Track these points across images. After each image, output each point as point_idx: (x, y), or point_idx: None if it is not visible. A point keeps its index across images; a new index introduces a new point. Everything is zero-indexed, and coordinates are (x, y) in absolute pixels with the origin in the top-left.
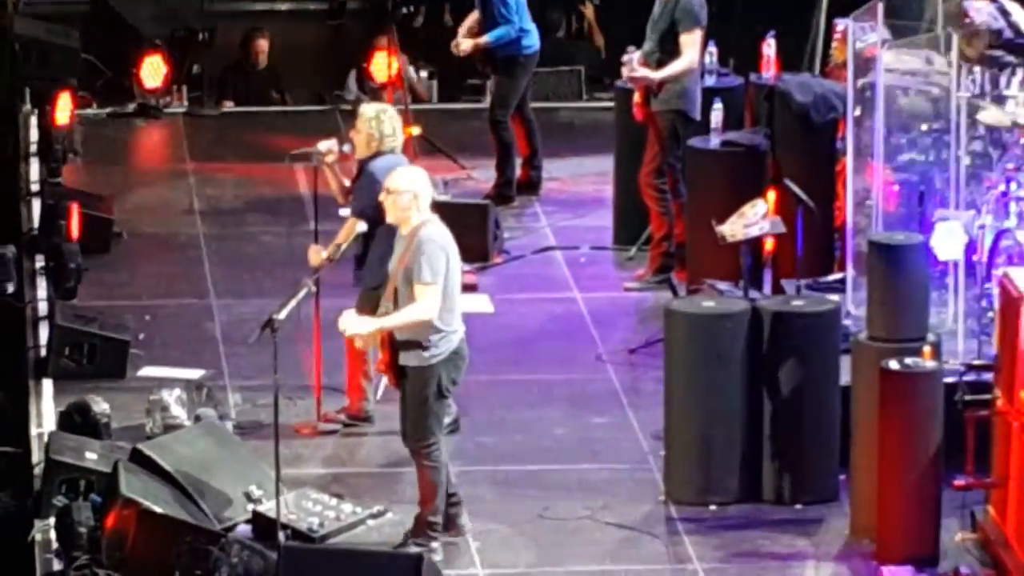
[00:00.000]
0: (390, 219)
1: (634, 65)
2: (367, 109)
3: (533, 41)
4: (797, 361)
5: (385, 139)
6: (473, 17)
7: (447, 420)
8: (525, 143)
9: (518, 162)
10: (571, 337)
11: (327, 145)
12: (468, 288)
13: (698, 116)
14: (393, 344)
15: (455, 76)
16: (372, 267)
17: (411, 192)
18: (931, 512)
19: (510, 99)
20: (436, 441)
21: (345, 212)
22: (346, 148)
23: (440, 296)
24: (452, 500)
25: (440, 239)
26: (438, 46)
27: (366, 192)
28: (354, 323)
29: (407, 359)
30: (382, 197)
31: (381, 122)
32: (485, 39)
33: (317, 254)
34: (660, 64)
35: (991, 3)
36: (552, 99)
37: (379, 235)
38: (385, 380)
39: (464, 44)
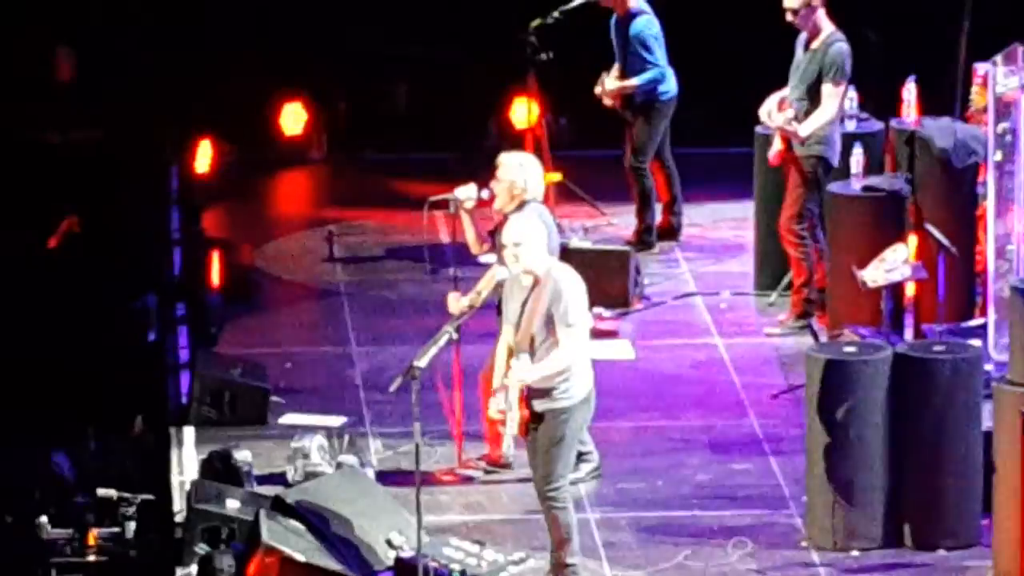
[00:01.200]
0: (515, 271)
1: (788, 116)
2: (509, 159)
3: (671, 87)
4: (939, 406)
5: (528, 188)
6: (615, 71)
7: (590, 467)
8: (665, 189)
9: (658, 208)
10: (712, 383)
11: (466, 192)
12: (608, 334)
13: (837, 162)
14: (529, 395)
15: (594, 123)
16: None
17: (537, 241)
18: None
19: (648, 145)
20: (565, 484)
21: (486, 259)
22: (484, 194)
23: (585, 335)
24: None
25: (575, 280)
26: (576, 92)
27: None
28: (525, 370)
29: (544, 403)
30: (508, 252)
31: (524, 170)
32: (633, 81)
33: (457, 301)
34: (806, 111)
35: None
36: (691, 143)
37: None
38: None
39: (610, 84)
